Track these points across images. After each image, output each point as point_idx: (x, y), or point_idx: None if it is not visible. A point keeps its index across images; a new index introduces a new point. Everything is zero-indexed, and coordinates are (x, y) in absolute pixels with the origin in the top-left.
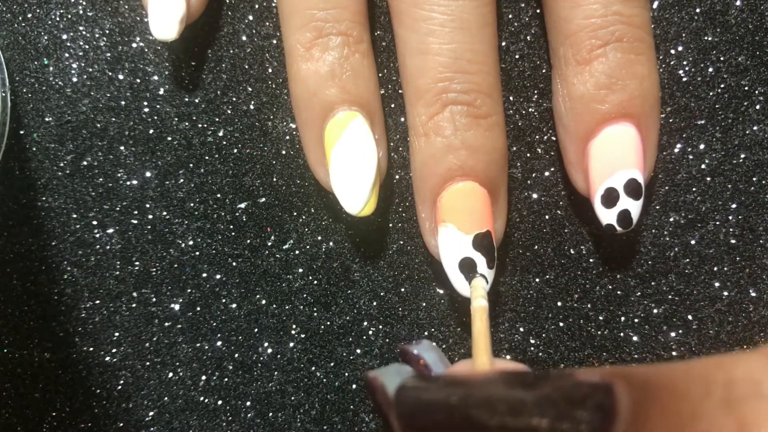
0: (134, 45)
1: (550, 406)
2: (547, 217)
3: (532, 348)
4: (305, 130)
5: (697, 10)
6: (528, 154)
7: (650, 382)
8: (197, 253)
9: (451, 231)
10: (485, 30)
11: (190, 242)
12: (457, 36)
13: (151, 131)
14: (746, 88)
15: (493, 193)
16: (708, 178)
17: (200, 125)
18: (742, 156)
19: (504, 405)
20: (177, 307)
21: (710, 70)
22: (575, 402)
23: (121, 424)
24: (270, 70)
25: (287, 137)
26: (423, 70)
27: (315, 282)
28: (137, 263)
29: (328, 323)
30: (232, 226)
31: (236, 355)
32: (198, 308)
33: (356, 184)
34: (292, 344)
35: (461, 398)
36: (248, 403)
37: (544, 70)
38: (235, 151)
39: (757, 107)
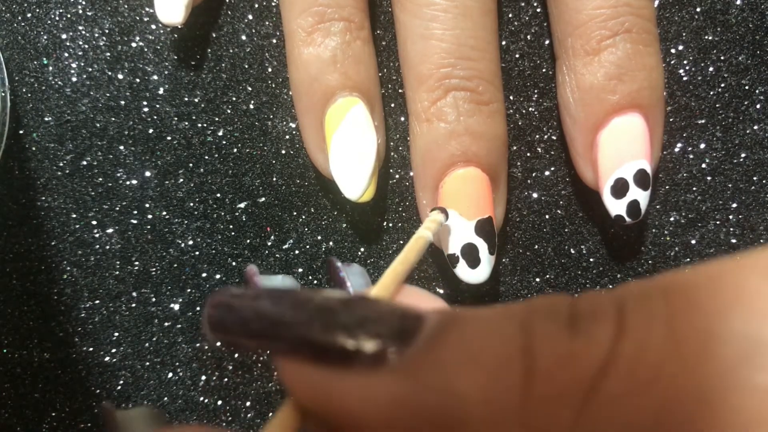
0: (134, 45)
1: (361, 323)
2: (547, 216)
3: None
4: (305, 115)
5: (698, 10)
6: (528, 154)
7: (458, 315)
8: (197, 253)
9: (453, 217)
10: (487, 17)
11: (190, 242)
12: (460, 22)
13: (150, 131)
14: (747, 88)
15: (494, 180)
16: (708, 178)
17: (200, 125)
18: (743, 155)
19: (316, 319)
20: (177, 307)
21: (711, 69)
22: (382, 321)
23: None
24: (270, 70)
25: (287, 137)
26: (425, 55)
27: (315, 282)
28: (137, 263)
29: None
30: (231, 226)
31: (236, 355)
32: (198, 308)
33: (357, 170)
34: None
35: (272, 307)
36: (248, 403)
37: (544, 69)
38: (235, 150)
39: (758, 106)
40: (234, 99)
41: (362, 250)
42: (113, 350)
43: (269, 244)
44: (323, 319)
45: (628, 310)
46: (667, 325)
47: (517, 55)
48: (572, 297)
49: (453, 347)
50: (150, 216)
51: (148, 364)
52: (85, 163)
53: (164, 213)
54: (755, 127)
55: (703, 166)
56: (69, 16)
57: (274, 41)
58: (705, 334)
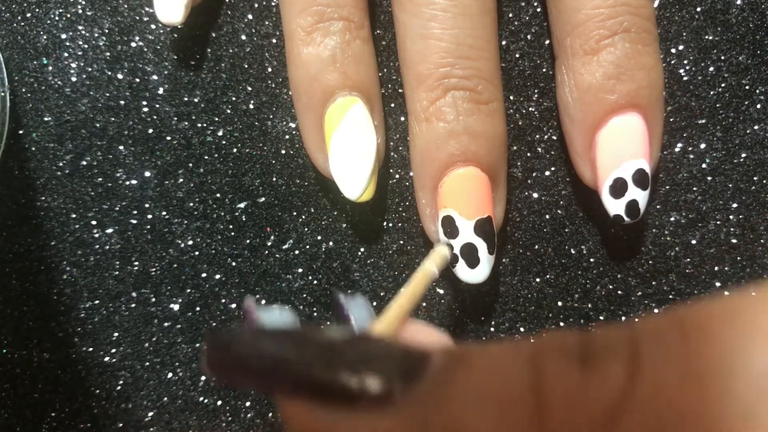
0: (133, 44)
1: (365, 361)
2: (547, 216)
3: None
4: (304, 114)
5: (698, 9)
6: (528, 154)
7: (465, 353)
8: (197, 253)
9: (452, 217)
10: (486, 16)
11: (190, 242)
12: (459, 21)
13: (150, 131)
14: (747, 88)
15: (493, 179)
16: (709, 178)
17: (200, 125)
18: (743, 155)
19: (319, 357)
20: (176, 307)
21: (711, 69)
22: (387, 359)
23: (121, 425)
24: (269, 70)
25: (287, 137)
26: (424, 54)
27: (315, 282)
28: (136, 263)
29: (328, 323)
30: (231, 226)
31: None
32: (197, 308)
33: (356, 169)
34: None
35: (273, 346)
36: (248, 403)
37: (544, 69)
38: (235, 150)
39: (758, 106)
40: (234, 99)
41: (362, 250)
42: (113, 350)
43: (269, 244)
44: (326, 358)
45: (643, 348)
46: (684, 362)
47: (517, 55)
48: (583, 333)
49: (461, 386)
50: (150, 216)
51: (147, 364)
52: (84, 163)
53: (164, 213)
54: (756, 127)
55: (704, 166)
56: (69, 16)
57: (274, 41)
58: (723, 371)
